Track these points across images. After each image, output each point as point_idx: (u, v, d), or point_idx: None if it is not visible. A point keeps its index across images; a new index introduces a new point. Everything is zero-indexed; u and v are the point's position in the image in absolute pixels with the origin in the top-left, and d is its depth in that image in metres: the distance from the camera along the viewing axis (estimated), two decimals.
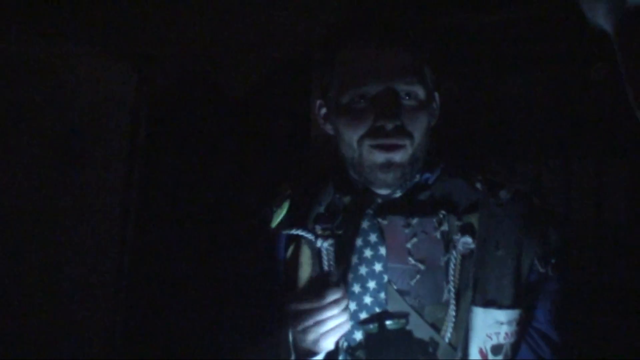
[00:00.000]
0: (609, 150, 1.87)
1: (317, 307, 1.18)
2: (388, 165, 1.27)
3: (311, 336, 1.19)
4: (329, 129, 1.39)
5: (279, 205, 1.42)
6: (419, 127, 1.27)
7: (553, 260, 1.27)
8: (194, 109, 2.09)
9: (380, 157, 1.27)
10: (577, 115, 1.89)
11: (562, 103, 1.91)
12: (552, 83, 1.92)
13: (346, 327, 1.22)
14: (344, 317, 1.20)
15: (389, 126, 1.25)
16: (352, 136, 1.28)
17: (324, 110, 1.40)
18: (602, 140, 1.87)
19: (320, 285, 1.21)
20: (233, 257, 1.45)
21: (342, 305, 1.20)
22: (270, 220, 1.41)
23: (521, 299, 1.25)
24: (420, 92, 1.28)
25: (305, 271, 1.33)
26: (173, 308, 2.06)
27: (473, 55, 1.93)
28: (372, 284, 1.27)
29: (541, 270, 1.26)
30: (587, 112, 1.88)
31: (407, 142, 1.26)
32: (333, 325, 1.19)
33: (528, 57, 1.92)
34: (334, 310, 1.18)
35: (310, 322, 1.18)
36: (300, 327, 1.19)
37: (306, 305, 1.19)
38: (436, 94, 1.38)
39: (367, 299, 1.26)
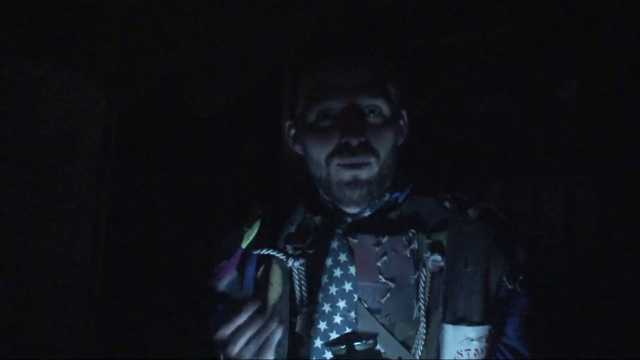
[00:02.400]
0: (578, 169, 1.89)
1: (244, 323, 1.16)
2: (354, 183, 1.28)
3: (249, 354, 1.18)
4: (298, 149, 1.40)
5: (250, 226, 1.42)
6: (384, 144, 1.29)
7: (521, 277, 1.28)
8: (164, 128, 2.08)
9: (346, 174, 1.28)
10: (546, 134, 1.92)
11: (532, 122, 1.94)
12: (521, 102, 1.95)
13: (279, 333, 1.21)
14: (274, 324, 1.20)
15: (354, 142, 1.26)
16: (319, 155, 1.30)
17: (293, 131, 1.41)
18: (572, 159, 1.90)
19: (237, 305, 1.20)
20: (202, 273, 1.45)
21: (266, 314, 1.19)
22: (241, 241, 1.41)
23: (490, 315, 1.26)
24: (385, 108, 1.30)
25: (275, 291, 1.33)
26: (145, 316, 2.05)
27: (443, 74, 1.95)
28: (342, 304, 1.27)
29: (509, 286, 1.27)
30: (557, 131, 1.91)
31: (372, 159, 1.28)
32: (266, 335, 1.18)
33: (497, 76, 1.94)
34: (261, 321, 1.17)
35: (243, 340, 1.16)
36: (235, 351, 1.17)
37: (231, 327, 1.17)
38: (404, 112, 1.40)
39: (338, 319, 1.26)
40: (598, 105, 1.85)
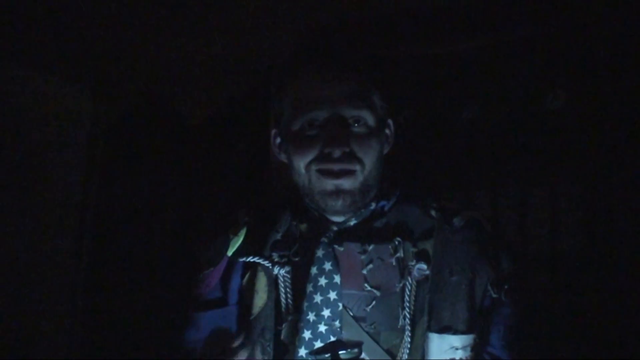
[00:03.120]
0: (564, 178, 1.90)
1: None
2: (337, 193, 1.28)
3: None
4: (283, 157, 1.41)
5: (236, 233, 1.42)
6: (369, 154, 1.29)
7: (506, 286, 1.29)
8: (151, 134, 2.08)
9: (328, 184, 1.28)
10: (532, 143, 1.93)
11: (518, 131, 1.94)
12: (508, 111, 1.95)
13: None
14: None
15: (337, 153, 1.27)
16: (300, 162, 1.30)
17: (278, 140, 1.41)
18: (558, 168, 1.91)
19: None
20: (187, 279, 1.44)
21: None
22: (227, 248, 1.41)
23: (475, 324, 1.26)
24: (370, 119, 1.30)
25: (260, 298, 1.33)
26: (128, 322, 2.04)
27: (431, 83, 1.96)
28: (326, 312, 1.27)
29: (494, 295, 1.28)
30: (543, 140, 1.92)
31: (357, 167, 1.28)
32: None
33: (484, 86, 1.95)
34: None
35: None
36: None
37: None
38: (390, 122, 1.40)
39: (322, 327, 1.26)
40: (585, 115, 1.86)
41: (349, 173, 1.28)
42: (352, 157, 1.28)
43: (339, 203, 1.29)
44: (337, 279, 1.29)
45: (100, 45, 1.85)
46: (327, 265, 1.30)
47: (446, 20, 1.78)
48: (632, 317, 1.68)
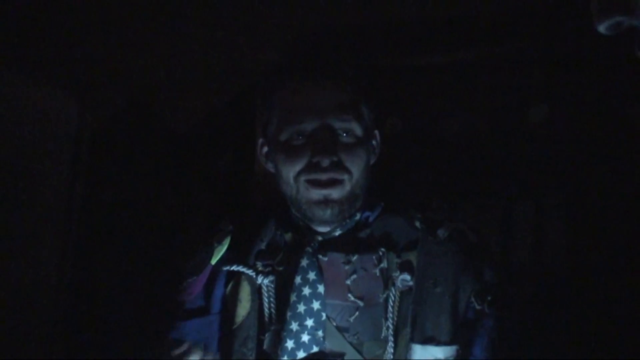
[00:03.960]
0: (548, 191, 1.91)
1: None
2: (325, 202, 1.28)
3: None
4: (270, 167, 1.41)
5: (220, 242, 1.41)
6: (357, 163, 1.30)
7: (489, 297, 1.29)
8: (136, 141, 2.07)
9: (316, 194, 1.28)
10: (516, 156, 1.94)
11: (502, 143, 1.95)
12: (493, 123, 1.96)
13: None
14: None
15: (326, 162, 1.27)
16: (288, 172, 1.30)
17: (265, 149, 1.41)
18: (541, 181, 1.92)
19: None
20: (170, 287, 1.44)
21: None
22: (211, 257, 1.40)
23: (458, 335, 1.26)
24: (357, 129, 1.31)
25: (243, 308, 1.33)
26: (112, 328, 2.02)
27: (416, 95, 1.97)
28: (310, 322, 1.27)
29: (477, 306, 1.28)
30: (527, 153, 1.93)
31: (345, 176, 1.28)
32: None
33: (469, 98, 1.96)
34: None
35: None
36: None
37: None
38: (376, 132, 1.41)
39: (305, 337, 1.26)
40: (568, 128, 1.87)
41: (337, 182, 1.28)
42: (340, 166, 1.28)
43: (327, 213, 1.29)
44: (320, 288, 1.29)
45: (86, 51, 1.84)
46: (311, 275, 1.30)
47: (433, 33, 1.79)
48: (616, 329, 1.69)
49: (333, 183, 1.28)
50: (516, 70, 1.92)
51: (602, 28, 0.67)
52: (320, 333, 1.26)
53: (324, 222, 1.32)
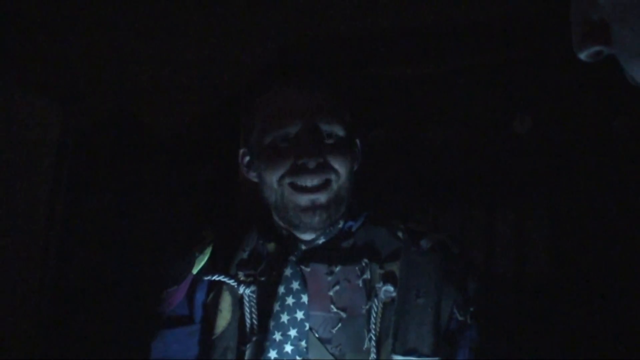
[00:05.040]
0: (530, 201, 1.92)
1: None
2: (312, 208, 1.27)
3: None
4: (253, 176, 1.40)
5: (202, 251, 1.40)
6: (343, 163, 1.29)
7: (472, 309, 1.29)
8: (119, 148, 2.06)
9: (303, 199, 1.27)
10: (499, 166, 1.95)
11: (486, 153, 1.96)
12: (476, 134, 1.97)
13: None
14: None
15: (312, 164, 1.26)
16: (272, 176, 1.29)
17: (247, 158, 1.40)
18: (524, 191, 1.93)
19: None
20: (151, 296, 1.42)
21: None
22: (192, 266, 1.39)
23: (441, 347, 1.26)
24: (341, 132, 1.30)
25: (223, 318, 1.31)
26: (92, 335, 2.00)
27: (400, 105, 1.97)
28: (293, 332, 1.26)
29: (460, 318, 1.28)
30: (510, 163, 1.94)
31: (332, 176, 1.28)
32: None
33: (453, 109, 1.97)
34: None
35: None
36: None
37: None
38: (357, 141, 1.40)
39: (288, 348, 1.25)
40: (551, 139, 1.89)
41: (324, 185, 1.27)
42: (326, 166, 1.27)
43: (315, 219, 1.28)
44: (304, 298, 1.28)
45: (70, 58, 1.83)
46: (295, 285, 1.29)
47: (417, 44, 1.80)
48: (598, 337, 1.70)
49: (318, 189, 1.27)
50: (500, 81, 1.93)
51: (582, 56, 0.69)
52: (303, 343, 1.25)
53: (310, 229, 1.31)
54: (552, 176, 1.89)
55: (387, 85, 1.92)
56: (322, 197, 1.27)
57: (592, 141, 1.85)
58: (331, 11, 1.57)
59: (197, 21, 1.60)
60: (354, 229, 1.36)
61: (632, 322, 1.68)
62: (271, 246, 1.37)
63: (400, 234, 1.34)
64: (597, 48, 0.67)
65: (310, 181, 1.27)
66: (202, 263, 1.38)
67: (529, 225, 1.91)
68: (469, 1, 1.74)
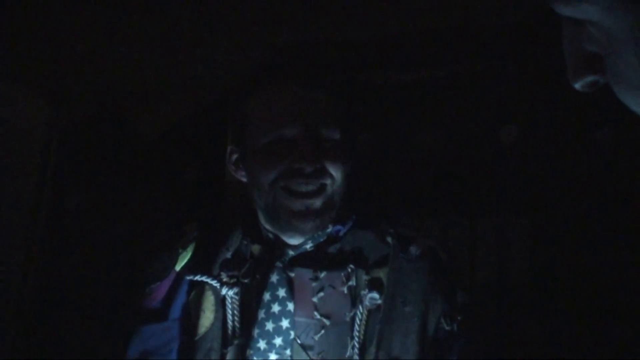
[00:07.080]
0: (513, 209, 1.93)
1: None
2: (306, 214, 1.24)
3: None
4: (241, 175, 1.36)
5: (185, 248, 1.37)
6: (339, 168, 1.26)
7: (459, 318, 1.27)
8: (105, 146, 2.02)
9: (297, 204, 1.24)
10: (483, 174, 1.95)
11: (470, 161, 1.96)
12: (462, 141, 1.97)
13: None
14: None
15: (309, 169, 1.23)
16: (265, 178, 1.25)
17: (235, 157, 1.36)
18: (507, 199, 1.93)
19: None
20: (133, 292, 1.39)
21: None
22: (175, 262, 1.35)
23: (425, 356, 1.24)
24: (337, 136, 1.28)
25: (207, 318, 1.28)
26: (74, 333, 1.97)
27: (388, 111, 1.96)
28: (278, 341, 1.23)
29: (447, 327, 1.26)
30: (494, 171, 1.94)
31: (328, 180, 1.25)
32: None
33: (441, 116, 1.97)
34: None
35: None
36: None
37: None
38: (350, 144, 1.38)
39: (273, 356, 1.22)
40: (536, 149, 1.89)
41: (319, 190, 1.24)
42: (323, 171, 1.24)
43: (308, 225, 1.25)
44: (290, 306, 1.25)
45: (57, 56, 1.78)
46: (281, 292, 1.26)
47: (406, 51, 1.79)
48: (581, 344, 1.71)
49: (314, 194, 1.24)
50: (487, 90, 1.93)
51: (577, 86, 0.68)
52: (288, 352, 1.22)
53: (302, 234, 1.28)
54: (535, 184, 1.90)
55: (374, 90, 1.91)
56: (317, 202, 1.24)
57: (575, 151, 1.86)
58: (320, 17, 1.55)
59: (185, 22, 1.57)
60: (341, 234, 1.33)
61: (613, 328, 1.69)
62: (256, 248, 1.34)
63: (389, 239, 1.32)
64: (592, 78, 0.67)
65: (305, 187, 1.24)
66: (185, 260, 1.35)
67: (511, 233, 1.91)
68: (457, 10, 1.73)
